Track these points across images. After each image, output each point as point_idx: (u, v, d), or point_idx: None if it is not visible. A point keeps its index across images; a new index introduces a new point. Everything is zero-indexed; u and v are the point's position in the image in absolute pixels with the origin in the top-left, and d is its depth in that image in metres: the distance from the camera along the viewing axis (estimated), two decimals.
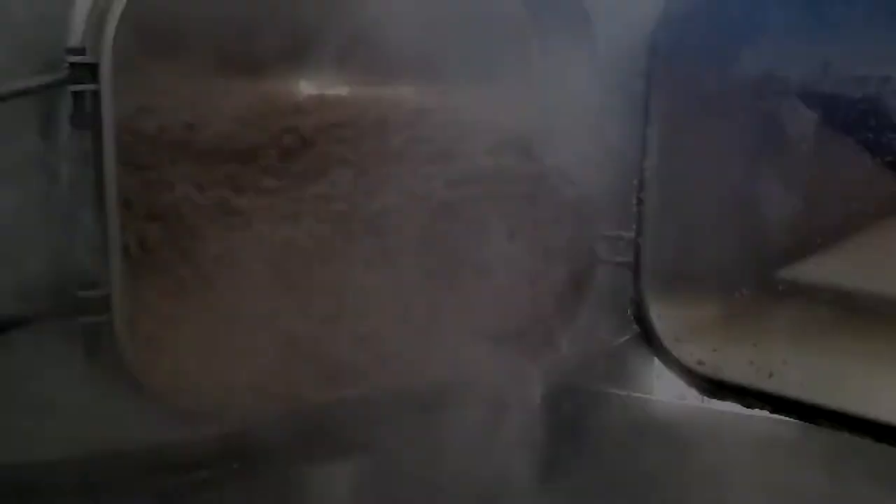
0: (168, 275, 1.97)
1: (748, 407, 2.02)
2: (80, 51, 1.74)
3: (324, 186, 2.17)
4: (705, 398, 2.42)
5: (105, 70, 1.73)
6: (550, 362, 2.41)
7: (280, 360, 2.01)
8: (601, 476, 2.80)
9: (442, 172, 2.38)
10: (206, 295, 1.98)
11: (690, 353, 2.10)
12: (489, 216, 2.29)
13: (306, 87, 2.27)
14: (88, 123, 1.74)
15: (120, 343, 1.81)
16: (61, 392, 1.82)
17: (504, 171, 2.42)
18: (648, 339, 2.14)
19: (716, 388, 2.05)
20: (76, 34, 1.75)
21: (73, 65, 1.71)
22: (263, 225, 2.06)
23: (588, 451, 2.77)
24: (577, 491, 2.67)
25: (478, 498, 2.43)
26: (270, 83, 2.20)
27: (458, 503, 2.44)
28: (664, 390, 3.18)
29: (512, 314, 2.34)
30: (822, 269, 1.93)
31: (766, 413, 2.00)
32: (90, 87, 1.72)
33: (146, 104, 2.00)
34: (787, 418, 1.93)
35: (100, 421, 1.89)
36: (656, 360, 2.33)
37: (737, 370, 2.02)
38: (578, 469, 2.81)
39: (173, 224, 1.97)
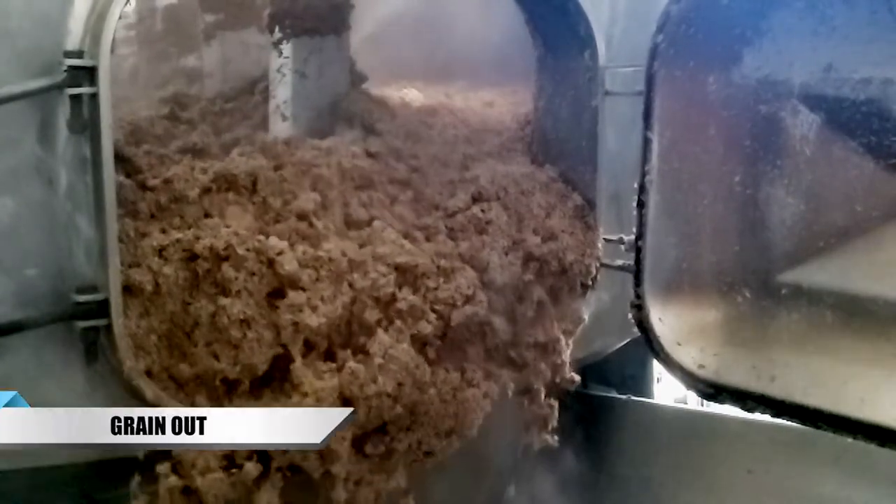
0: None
1: (749, 411, 2.01)
2: (78, 54, 1.73)
3: None
4: (706, 402, 2.42)
5: (103, 73, 1.72)
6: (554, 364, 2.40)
7: None
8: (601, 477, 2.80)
9: None
10: None
11: (691, 357, 2.08)
12: None
13: None
14: (86, 127, 1.73)
15: (118, 347, 1.80)
16: (60, 397, 1.81)
17: None
18: (649, 342, 2.13)
19: (717, 391, 2.04)
20: (74, 37, 1.74)
21: (70, 68, 1.70)
22: None
23: (588, 453, 2.77)
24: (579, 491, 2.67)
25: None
26: None
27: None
28: (664, 394, 3.18)
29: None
30: (824, 273, 1.92)
31: (767, 417, 1.98)
32: (88, 90, 1.72)
33: None
34: (789, 422, 1.92)
35: None
36: (657, 364, 2.32)
37: (738, 374, 2.01)
38: (579, 470, 2.80)
39: None
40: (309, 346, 2.02)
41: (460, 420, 2.18)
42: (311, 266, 2.01)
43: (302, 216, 2.12)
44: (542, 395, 2.42)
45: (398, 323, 2.07)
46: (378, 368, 2.00)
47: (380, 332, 2.04)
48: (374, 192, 2.27)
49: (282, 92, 2.45)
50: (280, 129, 2.48)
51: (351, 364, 1.99)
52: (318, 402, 1.93)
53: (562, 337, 2.38)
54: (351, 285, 2.05)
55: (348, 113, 2.49)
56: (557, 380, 2.42)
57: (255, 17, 2.98)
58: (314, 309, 1.98)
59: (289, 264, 1.96)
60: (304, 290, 1.99)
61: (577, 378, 2.45)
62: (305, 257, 2.01)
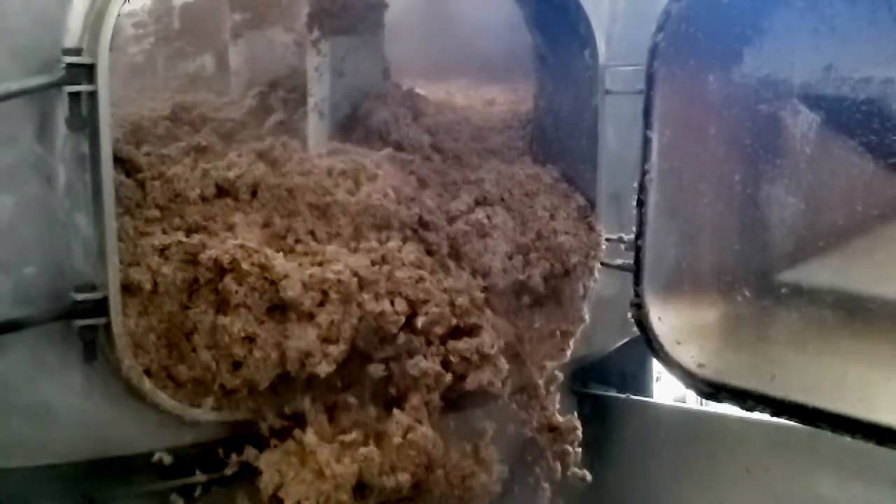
0: None
1: (749, 410, 2.00)
2: (77, 51, 1.73)
3: None
4: (705, 401, 2.41)
5: (102, 71, 1.72)
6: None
7: None
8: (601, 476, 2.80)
9: None
10: None
11: (691, 356, 2.08)
12: None
13: None
14: (85, 125, 1.73)
15: (117, 346, 1.80)
16: (58, 396, 1.81)
17: None
18: (649, 341, 2.13)
19: (716, 390, 2.04)
20: (73, 35, 1.74)
21: (69, 66, 1.70)
22: None
23: (587, 452, 2.77)
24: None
25: None
26: None
27: None
28: (664, 393, 3.18)
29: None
30: (824, 273, 1.92)
31: (766, 416, 1.98)
32: (87, 87, 1.72)
33: None
34: (788, 422, 1.92)
35: (96, 425, 1.88)
36: (656, 363, 2.32)
37: (738, 373, 2.00)
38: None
39: None
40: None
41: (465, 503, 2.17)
42: (317, 289, 1.95)
43: (312, 251, 2.07)
44: (549, 499, 2.43)
45: (414, 400, 2.04)
46: (396, 451, 1.99)
47: (396, 411, 2.03)
48: (393, 231, 2.16)
49: (319, 90, 2.50)
50: (317, 126, 2.52)
51: (364, 450, 1.97)
52: (337, 488, 1.93)
53: (578, 426, 2.37)
54: (360, 305, 1.99)
55: (369, 120, 2.49)
56: (568, 473, 2.42)
57: (278, 16, 2.99)
58: (325, 356, 1.94)
59: (292, 289, 1.92)
60: (309, 316, 1.94)
61: (588, 476, 2.46)
62: (312, 280, 1.95)
